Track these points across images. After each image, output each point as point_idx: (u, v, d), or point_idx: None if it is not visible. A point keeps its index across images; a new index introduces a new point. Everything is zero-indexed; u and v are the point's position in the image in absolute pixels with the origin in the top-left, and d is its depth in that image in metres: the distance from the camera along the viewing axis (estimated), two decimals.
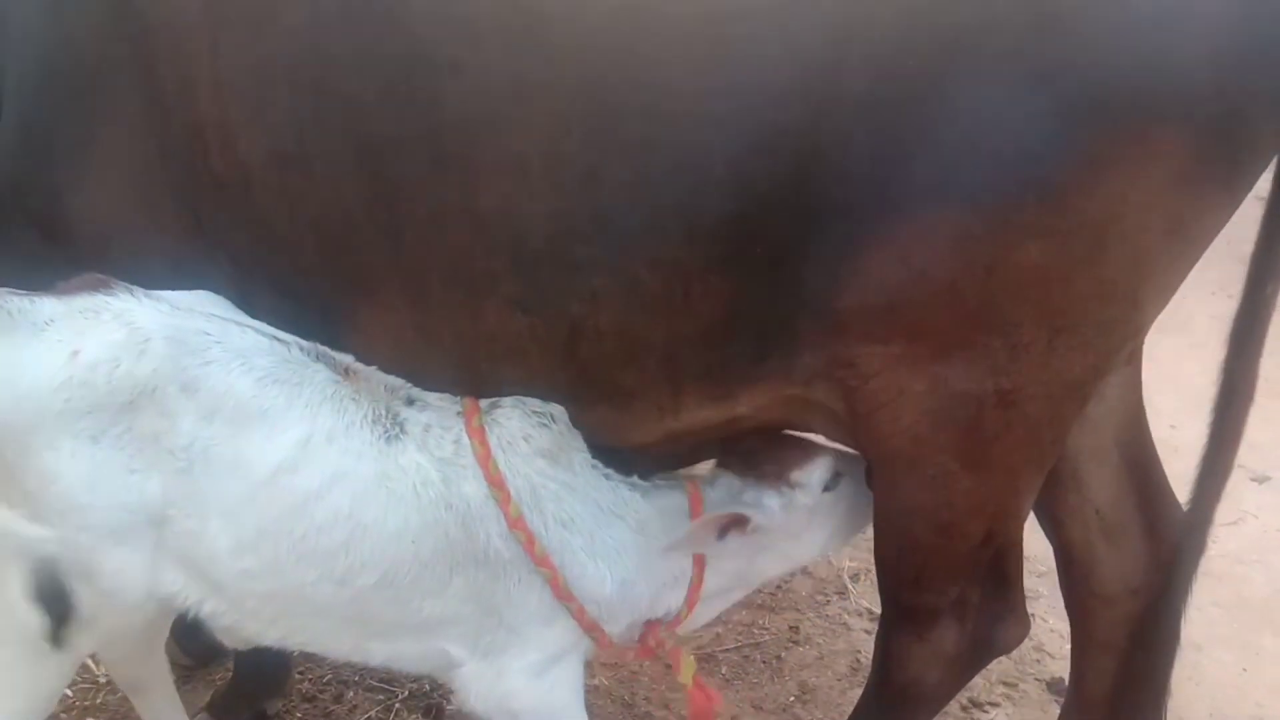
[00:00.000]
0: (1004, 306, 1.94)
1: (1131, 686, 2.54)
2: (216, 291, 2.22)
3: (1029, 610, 2.60)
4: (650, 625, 2.35)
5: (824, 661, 3.51)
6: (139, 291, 2.06)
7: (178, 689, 2.82)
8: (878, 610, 2.63)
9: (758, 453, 2.32)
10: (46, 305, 2.01)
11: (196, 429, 2.01)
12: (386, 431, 2.12)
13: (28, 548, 2.00)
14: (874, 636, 2.59)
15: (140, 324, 2.00)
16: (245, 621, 2.19)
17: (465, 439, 2.15)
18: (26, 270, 2.14)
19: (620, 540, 2.24)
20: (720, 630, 3.60)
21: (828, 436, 2.35)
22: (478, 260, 2.05)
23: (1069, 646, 2.70)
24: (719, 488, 2.34)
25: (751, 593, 3.74)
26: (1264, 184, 2.08)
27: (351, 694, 3.22)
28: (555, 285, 2.04)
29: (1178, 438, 2.69)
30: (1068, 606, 2.61)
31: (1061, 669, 3.39)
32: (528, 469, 2.17)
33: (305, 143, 2.05)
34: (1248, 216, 2.10)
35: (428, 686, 3.25)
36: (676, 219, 1.96)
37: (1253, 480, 4.63)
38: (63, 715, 3.04)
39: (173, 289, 2.14)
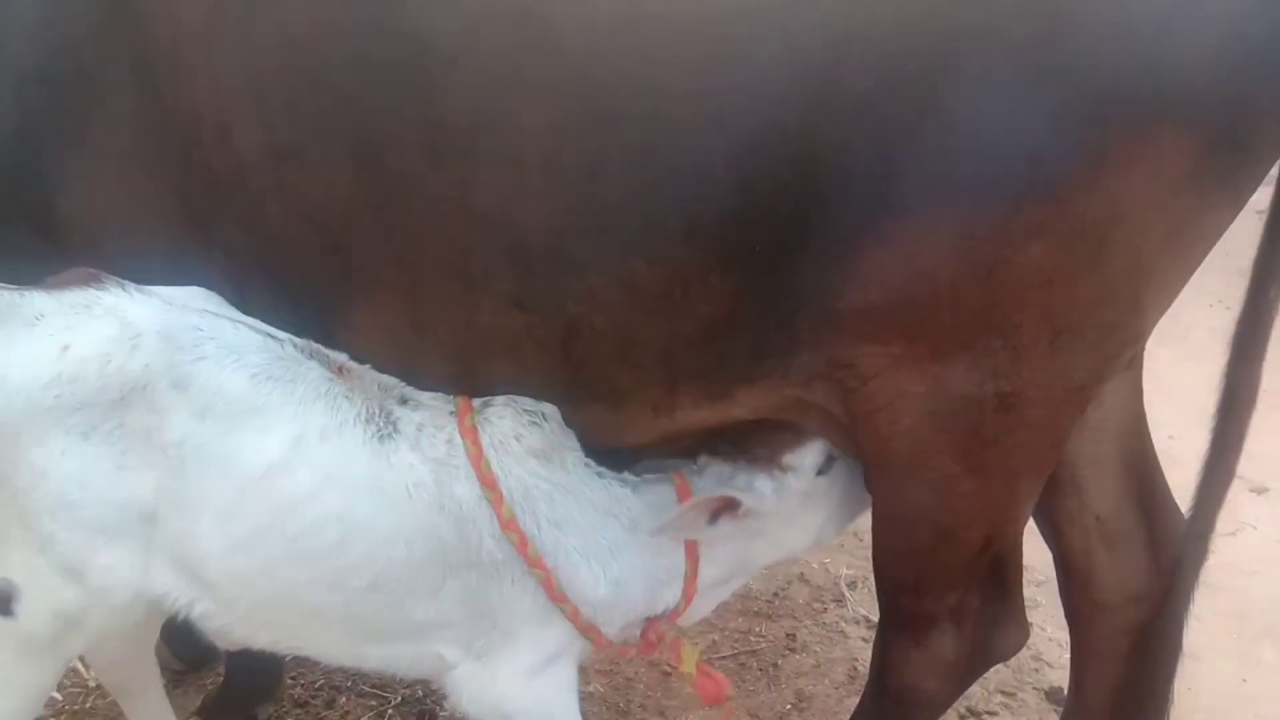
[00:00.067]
0: (1005, 308, 1.92)
1: (1132, 696, 2.52)
2: (210, 287, 2.21)
3: (1027, 619, 2.58)
4: (649, 620, 2.33)
5: (821, 669, 3.49)
6: (131, 286, 2.05)
7: (169, 693, 2.81)
8: (875, 618, 2.61)
9: (749, 438, 2.28)
10: (37, 300, 1.99)
11: (188, 426, 1.99)
12: (379, 430, 2.11)
13: None
14: (871, 644, 2.57)
15: (132, 319, 1.98)
16: (236, 624, 2.17)
17: (458, 439, 2.14)
18: (17, 264, 2.12)
19: (614, 540, 2.22)
20: (716, 638, 3.58)
21: (826, 439, 2.32)
22: (474, 257, 2.03)
23: (1067, 655, 2.68)
24: (708, 476, 2.31)
25: (748, 600, 3.77)
26: (1263, 197, 2.08)
27: (344, 699, 3.20)
28: (552, 283, 2.02)
29: (1176, 448, 2.68)
30: (1067, 614, 2.59)
31: (1060, 678, 3.37)
32: (520, 469, 2.15)
33: (301, 137, 2.04)
34: (1247, 229, 2.09)
35: (420, 692, 3.22)
36: (675, 218, 1.94)
37: (1251, 491, 4.62)
38: (52, 719, 3.01)
39: (166, 285, 2.12)
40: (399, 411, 2.15)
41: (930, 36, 1.82)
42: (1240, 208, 1.97)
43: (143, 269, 2.12)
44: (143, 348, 1.96)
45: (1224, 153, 1.86)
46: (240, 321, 2.11)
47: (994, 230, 1.86)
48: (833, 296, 1.97)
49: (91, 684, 3.12)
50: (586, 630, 2.22)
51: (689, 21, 1.87)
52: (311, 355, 2.13)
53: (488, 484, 2.12)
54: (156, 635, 2.66)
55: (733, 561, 2.37)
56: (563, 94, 1.91)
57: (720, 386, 2.14)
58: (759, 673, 3.46)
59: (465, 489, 2.12)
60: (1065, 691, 2.76)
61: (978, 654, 2.44)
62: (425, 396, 2.20)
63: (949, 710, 2.60)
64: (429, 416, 2.17)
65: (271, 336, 2.11)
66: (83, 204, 2.23)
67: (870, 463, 2.20)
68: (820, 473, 2.32)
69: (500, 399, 2.20)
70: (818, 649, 3.59)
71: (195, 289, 2.18)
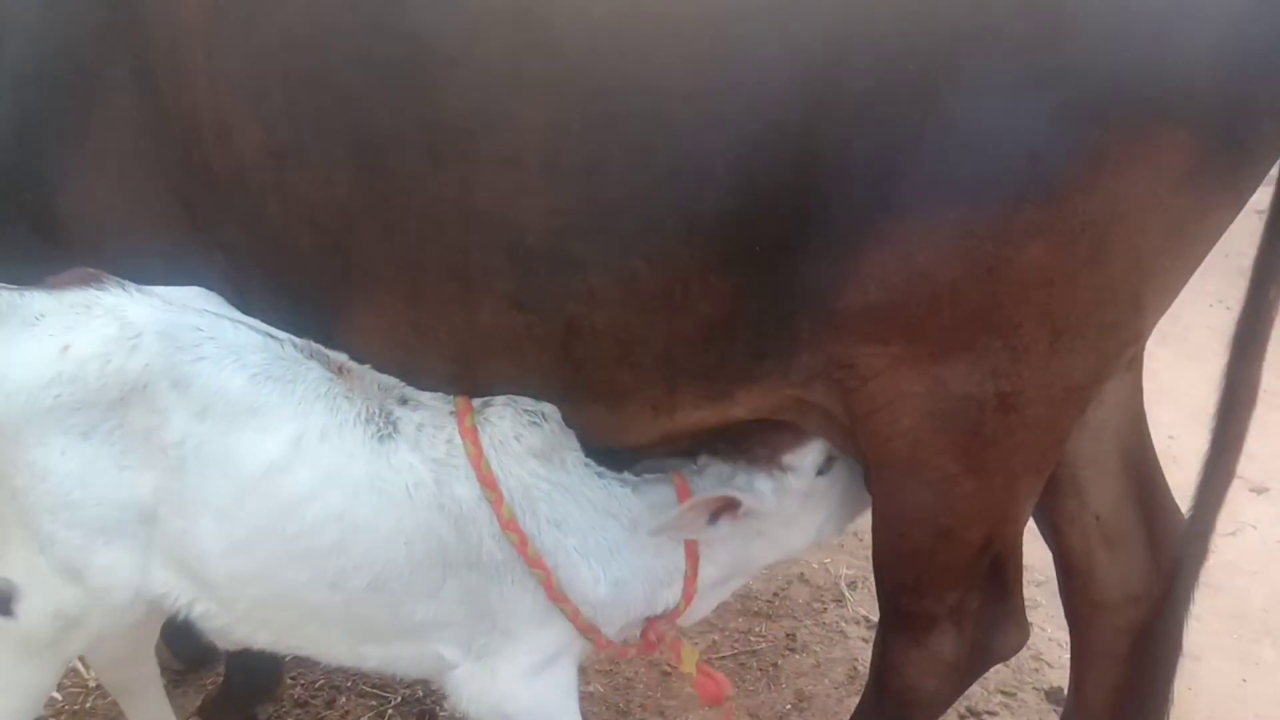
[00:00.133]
0: (1005, 307, 1.92)
1: (1132, 696, 2.52)
2: (210, 287, 2.21)
3: (1027, 619, 2.58)
4: (650, 620, 2.33)
5: (821, 669, 3.49)
6: (131, 286, 2.04)
7: (169, 693, 2.81)
8: (875, 618, 2.61)
9: (749, 437, 2.28)
10: (37, 300, 1.99)
11: (188, 426, 1.99)
12: (379, 430, 2.10)
13: None
14: (871, 644, 2.56)
15: (132, 319, 1.98)
16: (236, 624, 2.17)
17: (458, 439, 2.14)
18: (17, 265, 2.12)
19: (614, 540, 2.22)
20: (716, 638, 3.58)
21: (826, 439, 2.32)
22: (474, 256, 2.03)
23: (1067, 656, 2.67)
24: (708, 476, 2.31)
25: (748, 600, 3.76)
26: (1263, 197, 2.08)
27: (344, 699, 3.20)
28: (552, 282, 2.02)
29: (1176, 448, 2.69)
30: (1067, 615, 2.59)
31: (1060, 678, 3.37)
32: (520, 469, 2.15)
33: (301, 136, 2.04)
34: (1246, 229, 2.09)
35: (420, 692, 3.22)
36: (675, 217, 1.94)
37: (1251, 491, 4.62)
38: (52, 719, 3.01)
39: (166, 285, 2.12)
40: (399, 412, 2.15)
41: (930, 36, 1.82)
42: (1240, 207, 1.97)
43: (143, 269, 2.12)
44: (143, 347, 1.96)
45: (1224, 152, 1.86)
46: (240, 321, 2.11)
47: (994, 230, 1.86)
48: (833, 296, 1.97)
49: (92, 684, 3.12)
50: (587, 630, 2.22)
51: (689, 21, 1.87)
52: (311, 355, 2.12)
53: (488, 484, 2.11)
54: (156, 635, 2.66)
55: (733, 561, 2.37)
56: (563, 93, 1.91)
57: (720, 386, 2.14)
58: (759, 673, 3.45)
59: (465, 489, 2.11)
60: (1065, 691, 2.76)
61: (978, 654, 2.44)
62: (425, 396, 2.20)
63: (949, 710, 2.60)
64: (429, 416, 2.17)
65: (271, 336, 2.11)
66: (83, 204, 2.23)
67: (870, 463, 2.19)
68: (820, 473, 2.32)
69: (500, 399, 2.19)
70: (818, 649, 3.58)
71: (195, 289, 2.18)
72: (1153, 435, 2.50)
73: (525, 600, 2.16)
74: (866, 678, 2.59)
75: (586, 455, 2.24)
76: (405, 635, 2.19)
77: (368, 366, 2.19)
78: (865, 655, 3.40)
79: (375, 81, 1.97)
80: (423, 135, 1.97)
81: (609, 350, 2.08)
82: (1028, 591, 2.60)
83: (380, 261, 2.10)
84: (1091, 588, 2.47)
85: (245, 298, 2.21)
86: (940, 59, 1.81)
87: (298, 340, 2.13)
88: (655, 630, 2.34)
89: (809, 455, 2.29)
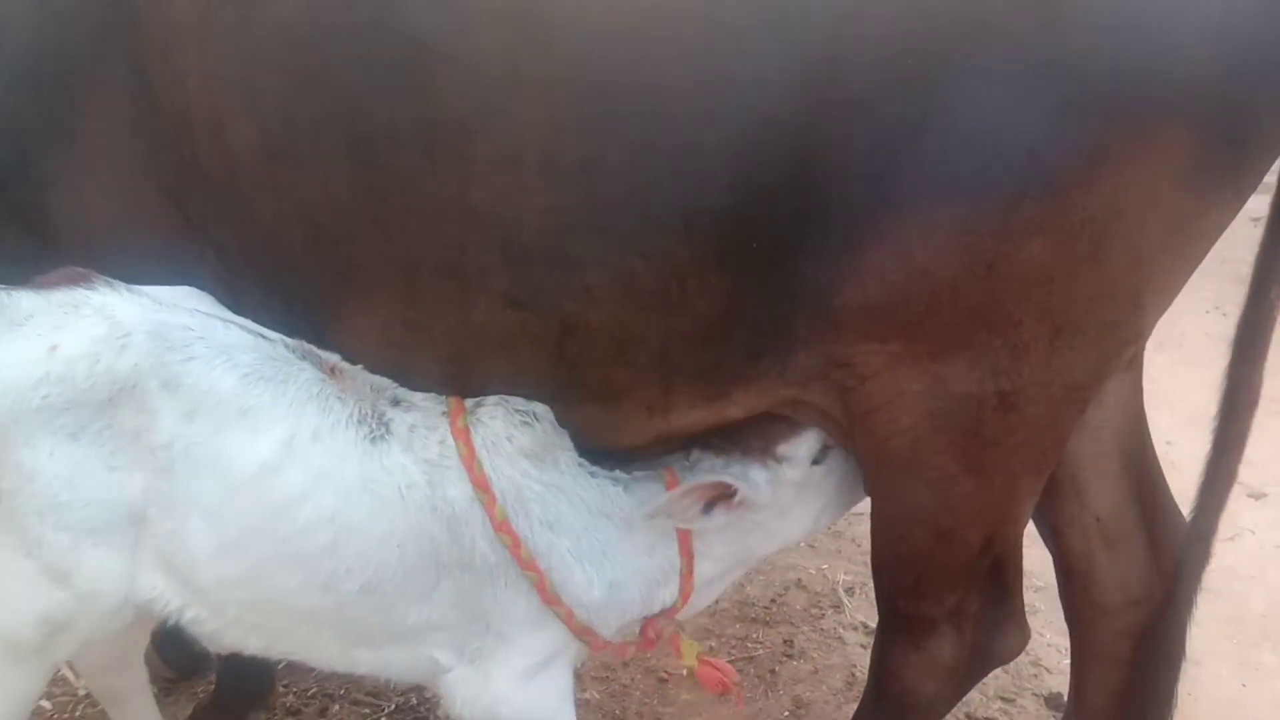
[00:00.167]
0: (1005, 305, 1.91)
1: (1133, 700, 2.49)
2: (202, 287, 2.18)
3: (1027, 622, 2.56)
4: (648, 620, 2.31)
5: (819, 676, 3.46)
6: (120, 286, 2.02)
7: (160, 702, 2.78)
8: (873, 624, 2.59)
9: (742, 430, 2.25)
10: (25, 300, 1.97)
11: (177, 427, 1.96)
12: (372, 432, 2.08)
13: None
14: (869, 650, 2.54)
15: (121, 319, 1.96)
16: (227, 628, 2.14)
17: (450, 440, 2.11)
18: (6, 265, 2.10)
19: (608, 541, 2.19)
20: (714, 644, 3.56)
21: None
22: (470, 255, 2.01)
23: (1067, 661, 2.66)
24: (699, 471, 2.27)
25: (745, 606, 3.74)
26: (1259, 204, 2.07)
27: (337, 707, 3.17)
28: (548, 280, 2.00)
29: (1174, 454, 2.67)
30: (1067, 618, 2.57)
31: (1059, 684, 3.35)
32: (512, 470, 2.12)
33: (295, 134, 2.02)
34: (1244, 237, 2.10)
35: (414, 700, 3.19)
36: (672, 214, 1.93)
37: (1249, 496, 4.61)
38: None
39: (157, 284, 2.10)
40: (391, 413, 2.13)
41: (929, 32, 1.80)
42: (1241, 205, 1.96)
43: (134, 268, 2.09)
44: (132, 347, 1.94)
45: (1224, 149, 1.85)
46: (231, 321, 2.09)
47: (994, 226, 1.85)
48: (831, 294, 1.95)
49: (81, 692, 3.08)
50: (581, 633, 2.19)
51: (686, 18, 1.86)
52: (303, 356, 2.10)
53: (480, 485, 2.09)
54: (146, 641, 2.64)
55: (729, 556, 2.35)
56: (560, 91, 1.89)
57: (717, 387, 2.12)
58: (756, 679, 3.43)
59: (458, 490, 2.09)
60: (1065, 697, 2.74)
61: (978, 657, 2.42)
62: (418, 397, 2.18)
63: (949, 715, 2.58)
64: (421, 417, 2.14)
65: (263, 337, 2.08)
66: (74, 203, 2.21)
67: (869, 463, 2.17)
68: (815, 462, 2.29)
69: (491, 399, 2.17)
70: (815, 655, 3.56)
71: (185, 288, 2.15)
72: None
73: (519, 603, 2.14)
74: (865, 684, 2.57)
75: (580, 455, 2.22)
76: (398, 639, 2.16)
77: (360, 367, 2.17)
78: (863, 661, 3.38)
79: (371, 79, 1.95)
80: (419, 133, 1.95)
81: (604, 349, 2.06)
82: (1026, 597, 2.58)
83: (375, 260, 2.08)
84: (1092, 590, 2.45)
85: (237, 297, 2.19)
86: (939, 55, 1.80)
87: (290, 341, 2.11)
88: (654, 628, 2.32)
89: (803, 445, 2.26)
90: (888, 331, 1.97)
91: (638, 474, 2.28)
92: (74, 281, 2.00)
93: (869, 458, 2.15)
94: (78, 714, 3.05)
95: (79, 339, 1.93)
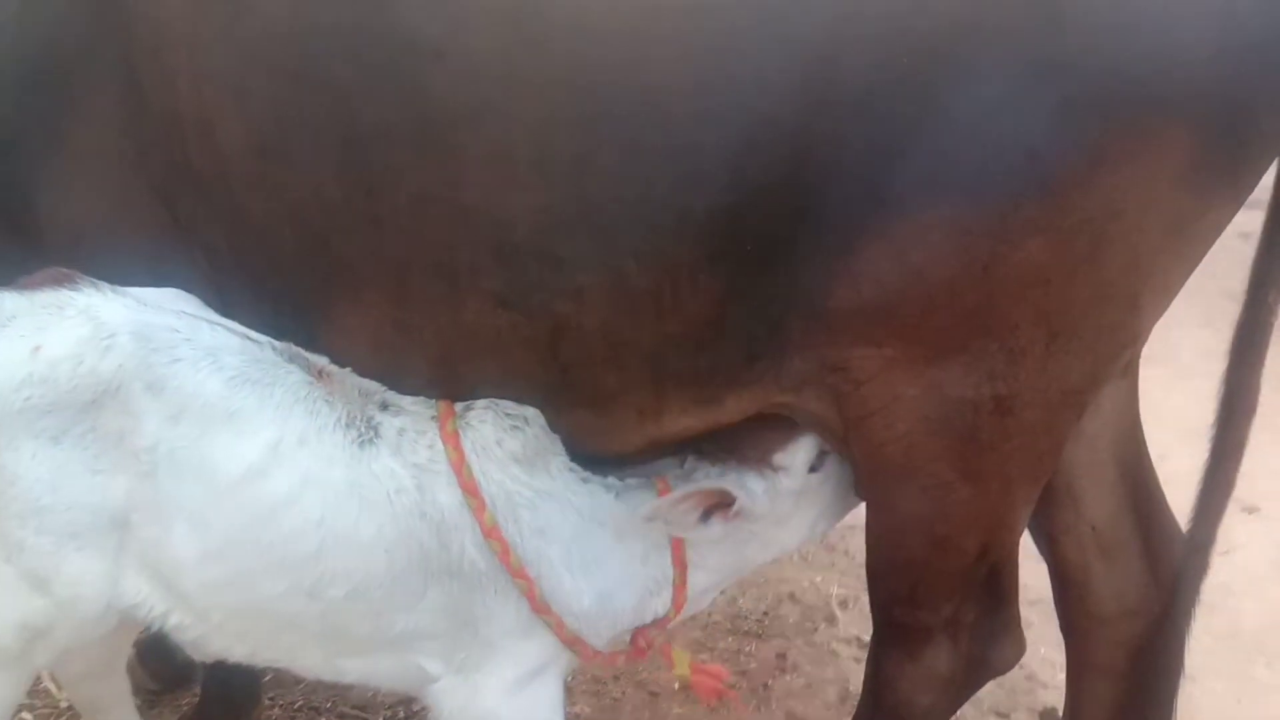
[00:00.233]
0: (1002, 307, 1.89)
1: (1130, 714, 2.47)
2: (190, 288, 2.16)
3: (1023, 632, 2.53)
4: (639, 629, 2.27)
5: (812, 690, 3.43)
6: (105, 286, 2.00)
7: (143, 714, 2.74)
8: (867, 638, 2.57)
9: (737, 437, 2.21)
10: (8, 300, 1.95)
11: (162, 430, 1.94)
12: (360, 436, 2.05)
13: None
14: (863, 665, 2.51)
15: (106, 320, 1.94)
16: (212, 635, 2.11)
17: (440, 444, 2.08)
18: None
19: (599, 549, 2.16)
20: (706, 657, 3.51)
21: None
22: (461, 254, 1.99)
23: (1062, 675, 2.63)
24: (695, 480, 2.22)
25: (738, 619, 3.71)
26: (1248, 220, 2.06)
27: None
28: (540, 281, 1.98)
29: (1167, 468, 2.66)
30: (1063, 628, 2.54)
31: (1054, 698, 3.31)
32: (502, 475, 2.10)
33: (285, 133, 2.00)
34: (1234, 254, 2.10)
35: (403, 713, 3.15)
36: (666, 214, 1.91)
37: (1243, 511, 4.59)
38: None
39: (144, 286, 2.08)
40: (380, 416, 2.10)
41: (926, 31, 1.79)
42: (1239, 206, 1.95)
43: (122, 269, 2.07)
44: (116, 348, 1.91)
45: (1222, 149, 1.84)
46: (217, 323, 2.07)
47: (990, 227, 1.83)
48: (825, 296, 1.93)
49: (63, 704, 3.03)
50: (572, 643, 2.16)
51: (681, 13, 1.84)
52: (291, 359, 2.08)
53: (470, 490, 2.07)
54: (128, 650, 2.60)
55: (724, 567, 2.31)
56: (553, 89, 1.88)
57: (710, 391, 2.10)
58: (749, 693, 3.39)
59: (447, 496, 2.06)
60: (1060, 712, 2.71)
61: (974, 667, 2.40)
62: (407, 401, 2.15)
63: None
64: (410, 421, 2.12)
65: (250, 339, 2.06)
66: (61, 204, 2.20)
67: (864, 469, 2.14)
68: (813, 469, 2.26)
69: (481, 402, 2.15)
70: (809, 669, 3.53)
71: (171, 290, 2.13)
72: None
73: (508, 611, 2.10)
74: (858, 698, 2.53)
75: (572, 461, 2.19)
76: (385, 647, 2.13)
77: (349, 370, 2.15)
78: (857, 675, 3.33)
79: (362, 77, 1.94)
80: (410, 130, 1.94)
81: (596, 351, 2.04)
82: (1021, 610, 2.56)
83: (365, 259, 2.06)
84: (1088, 600, 2.43)
85: (226, 299, 2.17)
86: (937, 54, 1.79)
87: (277, 343, 2.09)
88: (645, 637, 2.28)
89: (800, 453, 2.23)
90: (883, 335, 1.95)
91: (629, 481, 2.24)
92: (59, 282, 1.99)
93: (864, 463, 2.13)
94: None
95: (63, 340, 1.90)
